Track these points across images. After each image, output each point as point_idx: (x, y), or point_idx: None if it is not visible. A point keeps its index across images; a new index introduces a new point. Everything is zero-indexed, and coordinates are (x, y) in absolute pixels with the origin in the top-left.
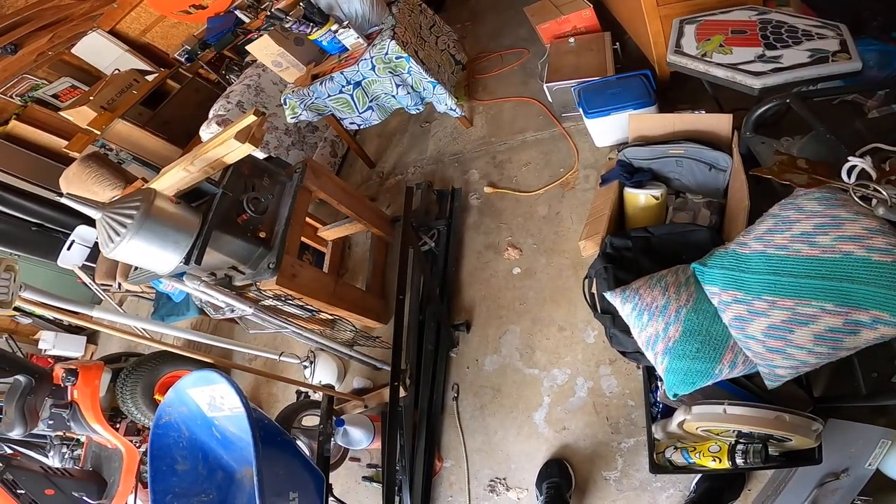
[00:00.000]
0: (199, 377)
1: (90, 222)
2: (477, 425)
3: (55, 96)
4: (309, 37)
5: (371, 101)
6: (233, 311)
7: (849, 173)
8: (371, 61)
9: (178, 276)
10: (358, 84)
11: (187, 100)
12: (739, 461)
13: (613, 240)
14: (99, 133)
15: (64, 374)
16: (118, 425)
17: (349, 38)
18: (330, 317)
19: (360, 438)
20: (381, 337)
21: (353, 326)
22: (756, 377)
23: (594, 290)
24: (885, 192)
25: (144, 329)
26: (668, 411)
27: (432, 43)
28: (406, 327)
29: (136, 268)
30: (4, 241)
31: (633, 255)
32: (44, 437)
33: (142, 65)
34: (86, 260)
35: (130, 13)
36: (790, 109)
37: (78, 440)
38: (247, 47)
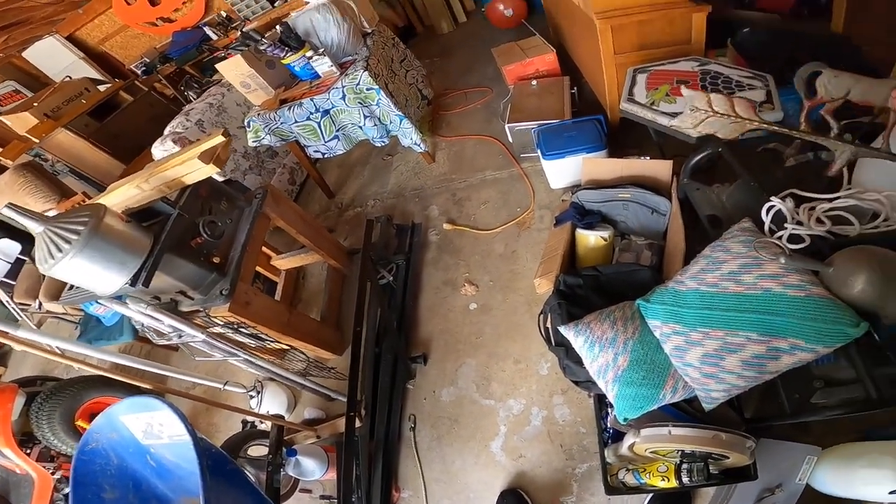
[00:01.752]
0: (136, 403)
1: (15, 236)
2: (434, 455)
3: None
4: (282, 60)
5: (338, 131)
6: (180, 336)
7: (767, 212)
8: (342, 90)
9: (118, 298)
10: (326, 112)
11: (139, 114)
12: (685, 479)
13: (566, 278)
14: (37, 141)
15: None
16: (30, 451)
17: (323, 65)
18: (281, 346)
19: (313, 469)
20: (336, 368)
21: (306, 356)
22: (694, 401)
23: (549, 324)
24: (782, 245)
25: (68, 352)
26: (619, 436)
27: (402, 76)
28: (362, 359)
29: (72, 287)
30: None
31: (584, 292)
32: None
33: (95, 74)
34: (4, 276)
35: (94, 20)
36: (721, 157)
37: None
38: (217, 66)
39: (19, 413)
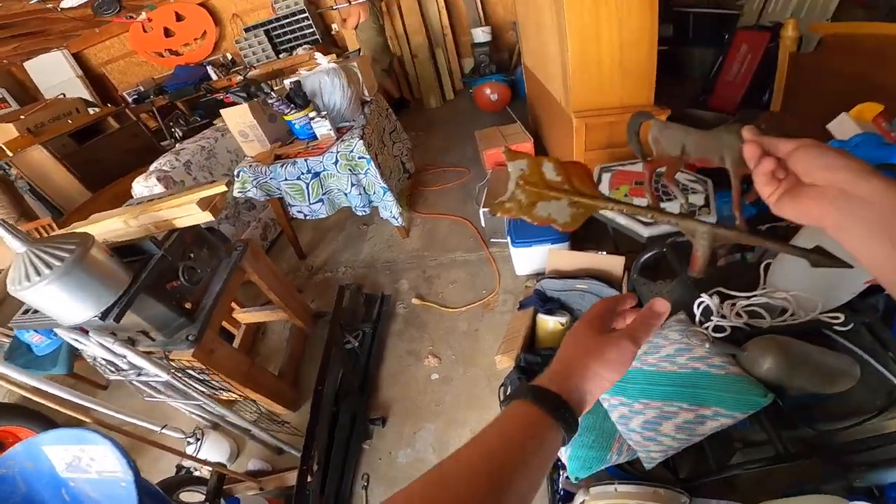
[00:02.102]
0: (68, 435)
1: None
2: None
3: None
4: (285, 116)
5: (323, 194)
6: (139, 374)
7: (698, 307)
8: (336, 155)
9: (76, 329)
10: (317, 175)
11: (120, 142)
12: None
13: (527, 356)
14: (10, 154)
15: None
16: None
17: (322, 127)
18: (233, 398)
19: None
20: (290, 423)
21: (260, 409)
22: (636, 463)
23: (509, 394)
24: (708, 334)
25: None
26: (569, 496)
27: (390, 147)
28: (321, 415)
29: (28, 311)
30: None
31: (542, 369)
32: None
33: (86, 94)
34: None
35: (105, 42)
36: (665, 257)
37: None
38: (221, 111)
39: None
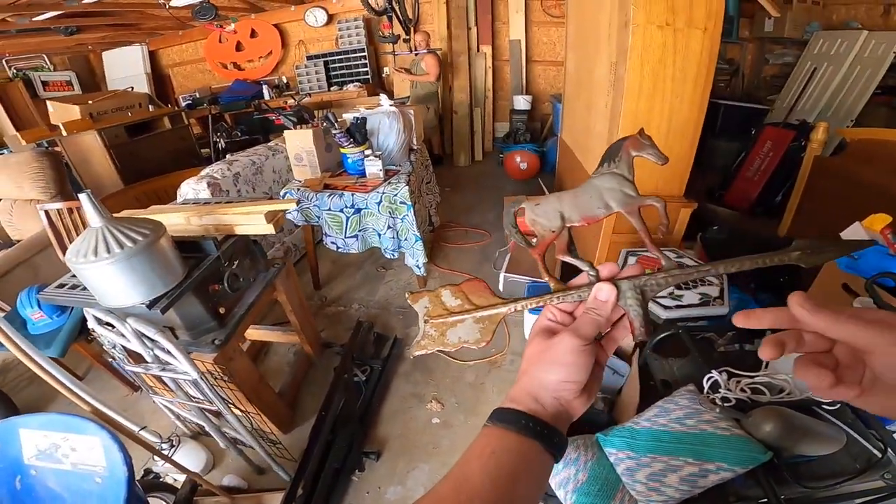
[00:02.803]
0: (58, 421)
1: None
2: None
3: (45, 83)
4: (342, 149)
5: (359, 231)
6: (163, 369)
7: (707, 381)
8: (381, 196)
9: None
10: (359, 211)
11: (166, 143)
12: None
13: None
14: (66, 134)
15: None
16: None
17: (374, 166)
18: (222, 411)
19: None
20: (281, 443)
21: (252, 424)
22: None
23: None
24: (718, 404)
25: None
26: None
27: (423, 199)
28: (318, 441)
29: (66, 286)
30: None
31: None
32: None
33: (148, 91)
34: None
35: (182, 45)
36: (674, 336)
37: None
38: (285, 133)
39: None
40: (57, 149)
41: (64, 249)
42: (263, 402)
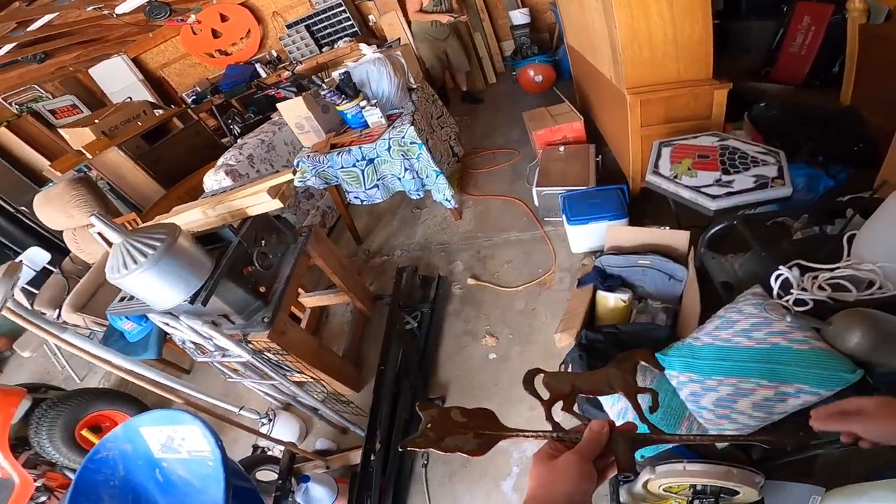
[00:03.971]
0: (163, 416)
1: (45, 245)
2: (445, 492)
3: (52, 111)
4: (337, 107)
5: (378, 180)
6: (224, 355)
7: (776, 280)
8: (388, 142)
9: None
10: (371, 161)
11: (184, 141)
12: None
13: (588, 333)
14: (90, 157)
15: None
16: (18, 457)
17: (373, 115)
18: (303, 379)
19: (322, 497)
20: (353, 403)
21: (325, 389)
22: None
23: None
24: (788, 307)
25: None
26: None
27: (438, 132)
28: (383, 395)
29: (124, 298)
30: None
31: (604, 346)
32: None
33: (150, 97)
34: (27, 283)
35: (160, 45)
36: (734, 229)
37: None
38: (277, 105)
39: (20, 417)
40: (92, 172)
41: None
42: (328, 366)
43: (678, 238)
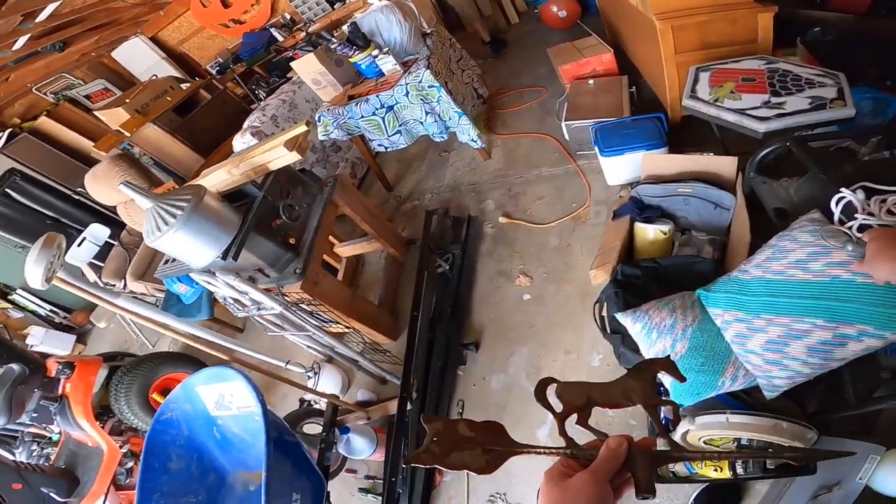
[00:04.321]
0: (213, 374)
1: (104, 221)
2: None
3: (87, 97)
4: (350, 59)
5: (400, 126)
6: (259, 309)
7: (837, 203)
8: (405, 87)
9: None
10: (390, 108)
11: (214, 110)
12: (740, 470)
13: (624, 268)
14: (129, 135)
15: (60, 367)
16: (103, 424)
17: (387, 63)
18: (340, 330)
19: (363, 448)
20: (390, 351)
21: (364, 339)
22: (754, 392)
23: (604, 312)
24: (851, 234)
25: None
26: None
27: (459, 75)
28: (417, 343)
29: (167, 261)
30: (18, 231)
31: (642, 282)
32: (14, 432)
33: (175, 73)
34: (93, 258)
35: (173, 22)
36: (790, 153)
37: (49, 438)
38: (291, 64)
39: (100, 386)
40: (135, 149)
41: None
42: (364, 315)
43: (724, 164)
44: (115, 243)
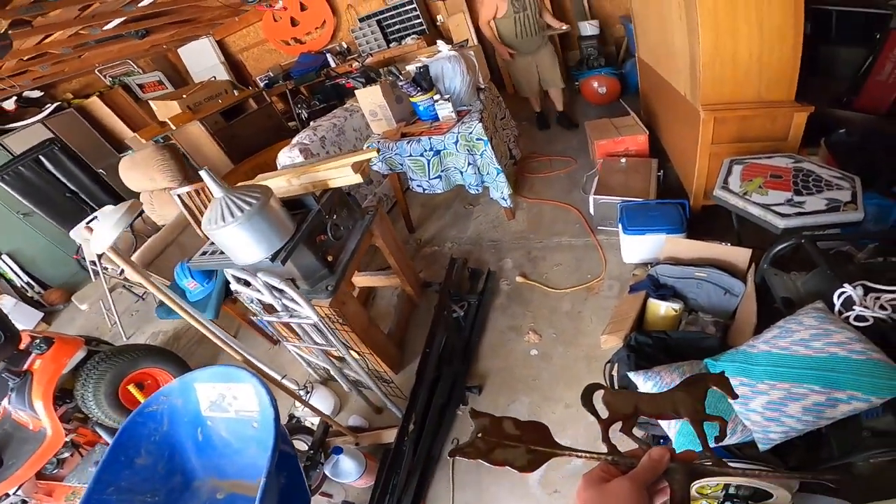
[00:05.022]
0: (219, 372)
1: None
2: (470, 479)
3: (141, 86)
4: (412, 98)
5: (442, 171)
6: (291, 315)
7: (839, 297)
8: (457, 136)
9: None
10: (437, 153)
11: (256, 122)
12: None
13: (638, 336)
14: (175, 128)
15: (37, 342)
16: (57, 409)
17: (445, 109)
18: (342, 353)
19: (350, 471)
20: (394, 382)
21: (367, 365)
22: (743, 447)
23: (614, 372)
24: (869, 313)
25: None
26: None
27: (500, 133)
28: (425, 378)
29: (206, 252)
30: (32, 198)
31: (652, 350)
32: None
33: (229, 78)
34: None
35: (243, 30)
36: (796, 249)
37: None
38: (356, 92)
39: (70, 368)
40: (172, 141)
41: (200, 225)
42: (375, 343)
43: (739, 255)
44: (126, 228)
